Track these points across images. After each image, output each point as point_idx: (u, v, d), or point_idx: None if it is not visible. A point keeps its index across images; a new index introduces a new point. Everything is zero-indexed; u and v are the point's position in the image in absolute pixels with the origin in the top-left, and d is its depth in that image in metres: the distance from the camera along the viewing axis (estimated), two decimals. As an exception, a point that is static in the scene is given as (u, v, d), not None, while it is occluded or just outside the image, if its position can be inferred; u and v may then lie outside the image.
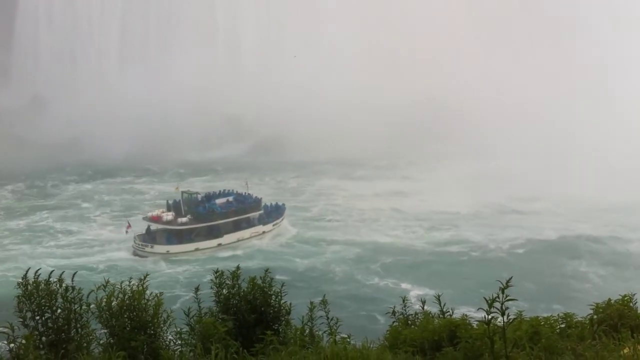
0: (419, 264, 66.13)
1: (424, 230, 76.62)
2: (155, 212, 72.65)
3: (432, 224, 78.38)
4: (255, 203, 75.73)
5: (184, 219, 70.65)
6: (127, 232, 69.68)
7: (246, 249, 70.88)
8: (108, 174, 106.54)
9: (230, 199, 75.99)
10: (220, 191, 79.74)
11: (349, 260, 67.28)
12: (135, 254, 68.76)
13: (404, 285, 60.21)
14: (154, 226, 71.20)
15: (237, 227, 72.60)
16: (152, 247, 68.66)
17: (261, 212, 75.46)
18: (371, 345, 9.19)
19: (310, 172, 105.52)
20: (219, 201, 74.95)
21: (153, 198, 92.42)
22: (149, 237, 70.15)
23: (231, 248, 70.69)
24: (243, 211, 73.86)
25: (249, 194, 77.70)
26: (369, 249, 70.09)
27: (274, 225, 75.21)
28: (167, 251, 68.62)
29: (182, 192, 74.18)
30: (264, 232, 73.67)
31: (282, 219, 76.74)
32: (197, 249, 69.24)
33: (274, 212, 77.02)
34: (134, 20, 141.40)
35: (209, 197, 76.12)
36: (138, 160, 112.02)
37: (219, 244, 70.61)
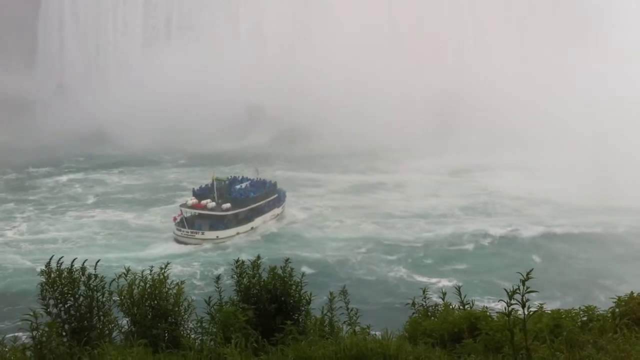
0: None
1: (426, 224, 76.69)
2: (193, 200, 73.27)
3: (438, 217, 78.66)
4: (273, 187, 79.03)
5: (228, 205, 72.05)
6: (176, 220, 70.62)
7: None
8: (129, 163, 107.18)
9: (247, 184, 77.72)
10: (231, 177, 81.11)
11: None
12: (183, 243, 69.28)
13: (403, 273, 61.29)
14: (189, 213, 71.99)
15: (262, 211, 74.94)
16: (203, 233, 69.73)
17: (276, 195, 78.42)
18: (391, 336, 9.18)
19: (329, 164, 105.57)
20: (241, 186, 76.97)
21: (173, 188, 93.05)
22: (190, 224, 70.89)
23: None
24: (266, 195, 76.59)
25: (260, 179, 79.85)
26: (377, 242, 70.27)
27: (282, 207, 78.49)
28: (217, 236, 70.05)
29: (215, 179, 75.45)
30: (278, 215, 76.75)
31: (285, 201, 79.71)
32: (237, 233, 71.26)
33: (281, 195, 79.71)
34: (157, 9, 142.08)
35: (230, 183, 77.52)
36: (158, 151, 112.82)
37: (252, 228, 72.87)
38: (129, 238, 71.67)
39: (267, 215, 75.00)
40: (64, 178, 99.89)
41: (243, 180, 79.61)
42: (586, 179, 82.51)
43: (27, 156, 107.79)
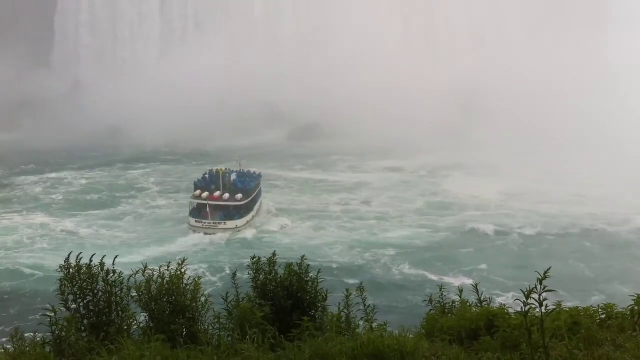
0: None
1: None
2: (205, 192, 73.37)
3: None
4: (259, 178, 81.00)
5: (240, 196, 73.00)
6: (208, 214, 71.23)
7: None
8: (133, 161, 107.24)
9: (236, 175, 78.33)
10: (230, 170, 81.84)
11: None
12: (204, 234, 69.78)
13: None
14: (195, 205, 72.39)
15: (255, 201, 76.91)
16: (225, 223, 70.78)
17: (261, 186, 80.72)
18: (408, 333, 9.19)
19: (332, 162, 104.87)
20: (234, 177, 77.62)
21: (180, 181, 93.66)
22: (204, 215, 71.39)
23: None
24: (257, 186, 78.97)
25: (245, 170, 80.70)
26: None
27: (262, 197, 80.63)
28: (236, 225, 71.07)
29: (224, 171, 76.32)
30: (261, 203, 78.74)
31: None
32: (247, 222, 72.39)
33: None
34: (174, 7, 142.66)
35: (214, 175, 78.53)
36: (172, 148, 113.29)
37: (253, 217, 74.29)
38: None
39: (257, 205, 77.05)
40: (40, 177, 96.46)
41: (230, 172, 79.86)
42: (581, 181, 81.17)
43: (29, 155, 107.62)
